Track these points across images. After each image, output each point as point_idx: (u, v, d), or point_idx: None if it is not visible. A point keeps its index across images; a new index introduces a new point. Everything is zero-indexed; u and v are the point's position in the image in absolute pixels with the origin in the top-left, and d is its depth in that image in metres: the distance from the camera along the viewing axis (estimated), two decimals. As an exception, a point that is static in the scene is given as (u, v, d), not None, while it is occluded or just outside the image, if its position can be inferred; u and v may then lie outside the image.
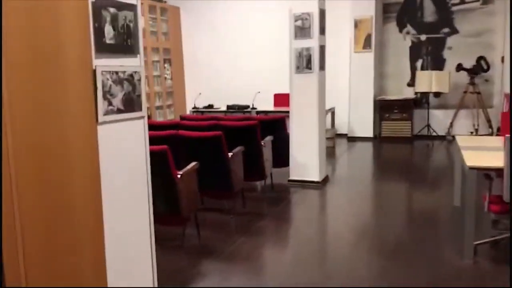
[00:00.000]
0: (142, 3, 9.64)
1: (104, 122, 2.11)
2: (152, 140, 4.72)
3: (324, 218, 4.97)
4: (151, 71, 9.86)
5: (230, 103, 9.20)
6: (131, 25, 2.25)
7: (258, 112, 8.80)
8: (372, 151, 8.81)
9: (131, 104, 2.27)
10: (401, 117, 9.12)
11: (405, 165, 7.48)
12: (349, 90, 9.44)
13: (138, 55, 2.32)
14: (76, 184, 2.01)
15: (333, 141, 8.81)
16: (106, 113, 2.12)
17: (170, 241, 4.03)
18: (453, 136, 8.35)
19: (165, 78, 10.45)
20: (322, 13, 5.65)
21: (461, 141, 4.36)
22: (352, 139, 9.46)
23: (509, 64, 7.41)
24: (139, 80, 2.32)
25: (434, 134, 9.06)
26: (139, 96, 2.32)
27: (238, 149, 4.66)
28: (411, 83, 9.30)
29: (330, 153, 8.25)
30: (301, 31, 5.56)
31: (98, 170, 2.09)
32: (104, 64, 2.10)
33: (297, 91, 5.73)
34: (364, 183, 6.17)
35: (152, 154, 3.67)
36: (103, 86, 2.09)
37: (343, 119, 9.66)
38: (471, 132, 8.65)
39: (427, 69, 9.18)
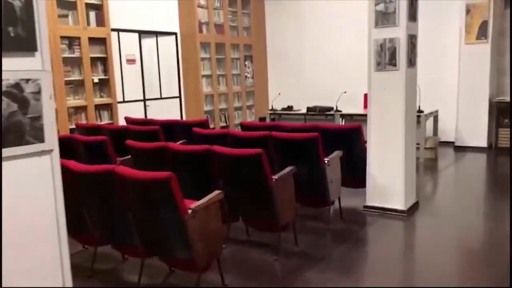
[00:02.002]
0: (220, -4, 9.00)
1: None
2: (181, 157, 3.91)
3: (407, 266, 3.70)
4: (229, 69, 9.15)
5: (312, 105, 8.11)
6: (17, 4, 1.36)
7: (342, 115, 7.62)
8: (486, 165, 7.12)
9: (17, 132, 1.39)
10: (526, 123, 7.26)
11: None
12: (458, 89, 7.77)
13: (36, 53, 1.44)
14: None
15: (435, 151, 7.29)
16: (-46, 150, 1.26)
17: (186, 290, 3.16)
18: None
19: (246, 76, 9.67)
20: (413, -7, 4.35)
21: None
22: (460, 149, 7.79)
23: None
24: (38, 93, 1.43)
25: None
26: (36, 119, 1.43)
27: (286, 171, 3.62)
28: (541, 81, 7.37)
29: (430, 167, 6.81)
30: (384, 17, 4.31)
31: None
32: None
33: (377, 93, 4.49)
34: (471, 212, 4.71)
35: (155, 183, 2.84)
36: None
37: (449, 125, 8.03)
38: None
39: None
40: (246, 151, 3.44)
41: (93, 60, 6.73)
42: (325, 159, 4.08)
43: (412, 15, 4.35)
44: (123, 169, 2.84)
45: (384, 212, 4.55)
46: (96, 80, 6.77)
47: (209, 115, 8.85)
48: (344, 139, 4.73)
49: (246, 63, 9.69)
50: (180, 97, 8.62)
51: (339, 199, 4.43)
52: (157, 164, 3.95)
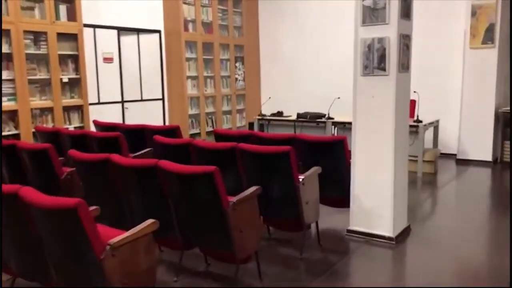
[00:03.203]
0: (209, -7, 8.44)
1: None
2: (125, 173, 3.32)
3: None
4: (218, 70, 8.58)
5: (304, 110, 7.54)
6: None
7: (334, 123, 7.03)
8: (490, 181, 6.51)
9: None
10: (535, 136, 6.64)
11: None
12: (461, 97, 7.17)
13: None
14: None
15: (434, 165, 6.66)
16: None
17: None
18: None
19: (236, 79, 9.10)
20: (407, -13, 3.77)
21: None
22: (462, 163, 7.18)
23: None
24: None
25: None
26: None
27: (248, 192, 3.04)
28: (553, 90, 6.74)
29: (428, 183, 6.21)
30: (372, 13, 3.72)
31: None
32: None
33: (364, 101, 3.90)
34: (472, 238, 4.10)
35: (62, 213, 2.26)
36: None
37: (451, 135, 7.42)
38: None
39: None
40: (197, 169, 2.86)
41: (63, 57, 6.19)
42: (300, 176, 3.50)
43: (405, 12, 3.76)
44: (28, 191, 2.27)
45: (370, 238, 3.96)
46: (65, 80, 6.22)
47: (194, 119, 8.29)
48: (326, 153, 4.14)
49: (237, 64, 9.13)
50: (163, 99, 8.06)
51: (316, 223, 3.84)
52: (101, 179, 3.39)
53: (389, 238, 3.89)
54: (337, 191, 4.25)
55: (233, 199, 2.90)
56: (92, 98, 6.82)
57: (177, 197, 3.03)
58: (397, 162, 3.87)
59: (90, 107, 6.64)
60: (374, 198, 3.94)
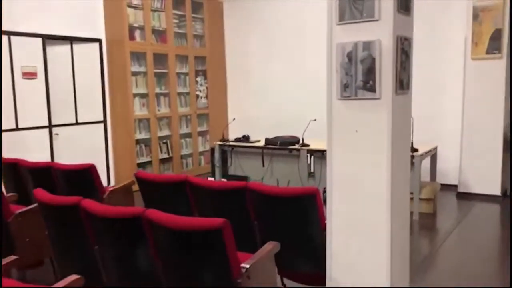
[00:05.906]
0: (161, -5, 7.16)
1: None
2: None
3: None
4: (174, 86, 7.25)
5: (277, 133, 6.26)
6: None
7: (310, 151, 5.74)
8: (500, 225, 5.23)
9: None
10: (555, 166, 5.45)
11: None
12: (462, 118, 5.96)
13: None
14: None
15: (433, 204, 5.39)
16: None
17: None
18: None
19: (197, 96, 7.77)
20: (405, -34, 2.50)
21: None
22: (465, 197, 5.94)
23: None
24: None
25: None
26: None
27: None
28: None
29: (427, 229, 4.98)
30: (354, 5, 2.44)
31: None
32: None
33: (343, 136, 2.60)
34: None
35: None
36: None
37: (451, 163, 6.21)
38: None
39: None
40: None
41: (-40, 72, 4.81)
42: (243, 265, 2.17)
43: (404, 3, 2.49)
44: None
45: None
46: (-38, 101, 4.83)
47: (144, 144, 6.93)
48: (291, 210, 2.83)
49: (198, 79, 7.81)
50: (105, 121, 6.67)
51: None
52: None
53: None
54: (309, 264, 2.94)
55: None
56: (8, 123, 5.43)
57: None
58: (395, 227, 2.57)
59: (5, 134, 5.26)
60: (362, 282, 2.62)
